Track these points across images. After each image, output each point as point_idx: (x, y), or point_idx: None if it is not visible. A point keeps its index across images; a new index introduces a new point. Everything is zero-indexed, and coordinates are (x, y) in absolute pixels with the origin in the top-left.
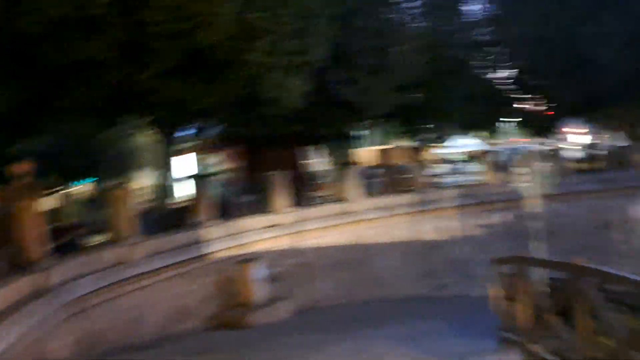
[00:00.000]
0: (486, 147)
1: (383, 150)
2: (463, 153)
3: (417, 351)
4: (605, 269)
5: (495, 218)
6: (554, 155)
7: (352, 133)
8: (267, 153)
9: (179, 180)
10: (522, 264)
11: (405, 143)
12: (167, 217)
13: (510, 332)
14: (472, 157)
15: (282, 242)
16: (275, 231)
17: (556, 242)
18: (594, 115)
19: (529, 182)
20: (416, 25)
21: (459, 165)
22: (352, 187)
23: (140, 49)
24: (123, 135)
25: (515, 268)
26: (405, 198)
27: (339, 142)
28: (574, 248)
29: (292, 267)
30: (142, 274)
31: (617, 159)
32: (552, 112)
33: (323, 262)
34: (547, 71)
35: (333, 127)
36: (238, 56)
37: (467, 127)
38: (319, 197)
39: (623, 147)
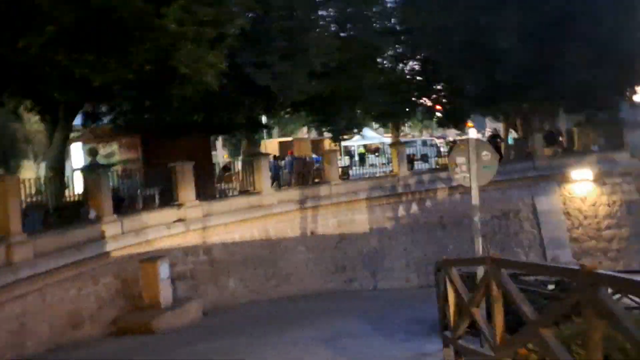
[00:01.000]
0: (395, 139)
1: (292, 141)
2: (372, 145)
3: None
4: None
5: (404, 210)
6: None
7: (261, 122)
8: (172, 142)
9: (79, 170)
10: (448, 264)
11: (314, 134)
12: (61, 213)
13: (447, 331)
14: (378, 149)
15: (189, 238)
16: (181, 227)
17: (460, 232)
18: (498, 107)
19: (462, 173)
20: (327, 10)
21: (368, 157)
22: (262, 179)
23: (16, 10)
24: (8, 119)
25: (444, 269)
26: (315, 190)
27: (248, 131)
28: (473, 236)
29: (200, 264)
30: (27, 277)
31: (518, 151)
32: (441, 107)
33: (232, 259)
34: (450, 62)
35: (244, 114)
36: (142, 22)
37: (377, 118)
38: (228, 189)
39: (523, 139)
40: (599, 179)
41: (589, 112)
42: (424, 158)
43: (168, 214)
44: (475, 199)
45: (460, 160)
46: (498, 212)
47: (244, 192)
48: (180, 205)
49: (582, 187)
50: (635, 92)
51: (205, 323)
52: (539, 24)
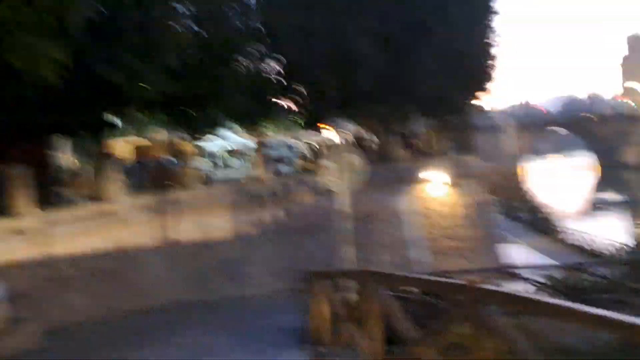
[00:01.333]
0: (255, 142)
1: (144, 143)
2: (232, 147)
3: None
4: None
5: (267, 215)
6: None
7: (111, 122)
8: (7, 145)
9: None
10: (320, 277)
11: (168, 135)
12: None
13: (320, 346)
14: (240, 152)
15: (26, 251)
16: (17, 239)
17: (327, 237)
18: (359, 110)
19: (332, 178)
20: (185, 6)
21: (228, 160)
22: (111, 184)
23: None
24: None
25: (315, 282)
26: (170, 195)
27: (95, 132)
28: (339, 240)
29: (42, 281)
30: None
31: (378, 154)
32: (298, 108)
33: (78, 273)
34: (313, 65)
35: (90, 114)
36: None
37: (236, 119)
38: (75, 196)
39: (386, 141)
40: (453, 181)
41: (443, 116)
42: (288, 161)
43: (1, 225)
44: (345, 205)
45: (330, 165)
46: (361, 215)
47: (93, 198)
48: (15, 215)
49: (438, 188)
50: (479, 98)
51: (48, 346)
52: (398, 30)
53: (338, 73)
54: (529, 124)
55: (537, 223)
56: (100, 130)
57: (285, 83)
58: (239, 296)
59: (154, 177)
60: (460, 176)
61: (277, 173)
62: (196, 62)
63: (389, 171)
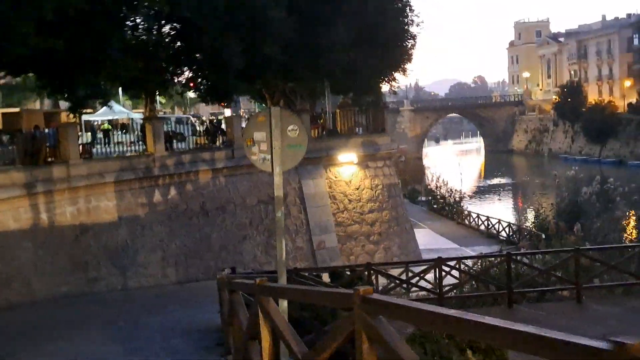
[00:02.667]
0: (148, 114)
1: (12, 113)
2: (119, 120)
3: None
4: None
5: (160, 195)
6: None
7: None
8: None
9: None
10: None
11: (44, 104)
12: None
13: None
14: (126, 125)
15: None
16: None
17: (224, 219)
18: (264, 84)
19: (261, 154)
20: None
21: (116, 134)
22: None
23: None
24: None
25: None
26: (45, 172)
27: None
28: (246, 225)
29: None
30: None
31: None
32: (195, 84)
33: None
34: (214, 28)
35: None
36: None
37: (126, 87)
38: None
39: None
40: (363, 162)
41: (354, 94)
42: (181, 137)
43: None
44: (278, 187)
45: (259, 136)
46: (265, 197)
47: None
48: None
49: (347, 170)
50: (394, 78)
51: None
52: None
53: (243, 40)
54: (423, 108)
55: (438, 206)
56: None
57: (182, 48)
58: (126, 285)
59: (25, 151)
60: (370, 157)
61: (170, 149)
62: (78, 16)
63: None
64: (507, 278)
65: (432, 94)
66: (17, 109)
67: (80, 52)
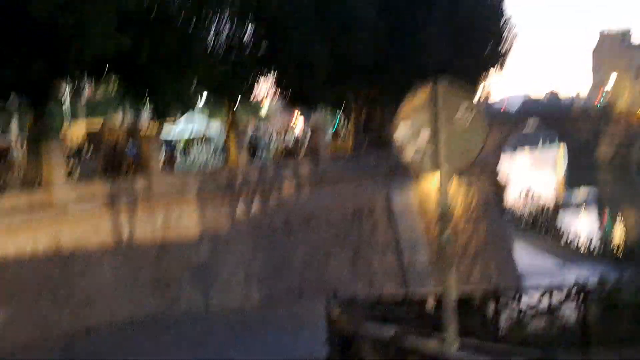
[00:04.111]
0: (230, 122)
1: (96, 127)
2: (198, 132)
3: None
4: None
5: (243, 210)
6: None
7: (57, 93)
8: None
9: None
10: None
11: (127, 116)
12: None
13: None
14: (206, 137)
15: None
16: None
17: (308, 234)
18: (350, 88)
19: (416, 150)
20: None
21: (193, 146)
22: (54, 169)
23: None
24: None
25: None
26: (125, 185)
27: (34, 101)
28: (331, 241)
29: None
30: None
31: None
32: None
33: (4, 281)
34: (302, 28)
35: (18, 73)
36: None
37: (211, 92)
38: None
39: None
40: (457, 174)
41: None
42: (263, 147)
43: None
44: (444, 194)
45: (416, 126)
46: (350, 211)
47: (29, 185)
48: None
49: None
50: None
51: None
52: None
53: (329, 41)
54: (499, 115)
55: (530, 221)
56: (40, 98)
57: (268, 50)
58: (208, 307)
59: (106, 163)
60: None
61: (253, 161)
62: (159, 12)
63: (384, 161)
64: None
65: (502, 110)
66: (99, 123)
67: (165, 53)
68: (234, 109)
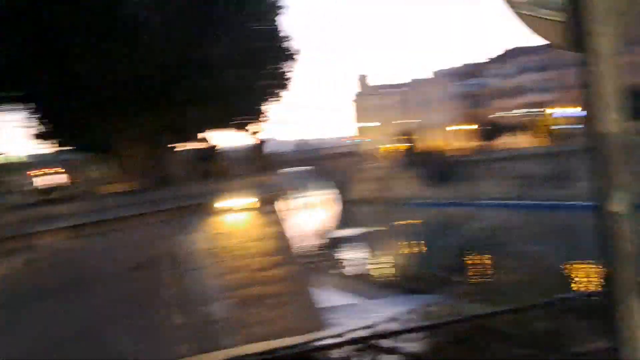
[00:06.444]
0: None
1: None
2: None
3: None
4: None
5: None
6: None
7: None
8: None
9: None
10: None
11: None
12: None
13: None
14: None
15: None
16: None
17: (92, 300)
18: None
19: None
20: None
21: None
22: None
23: None
24: None
25: None
26: None
27: None
28: (109, 307)
29: None
30: None
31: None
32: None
33: None
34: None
35: None
36: None
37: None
38: None
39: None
40: (259, 207)
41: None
42: None
43: None
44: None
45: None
46: (134, 263)
47: None
48: None
49: (239, 218)
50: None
51: None
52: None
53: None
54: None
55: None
56: None
57: None
58: None
59: None
60: (265, 200)
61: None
62: None
63: (171, 197)
64: None
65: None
66: None
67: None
68: None
